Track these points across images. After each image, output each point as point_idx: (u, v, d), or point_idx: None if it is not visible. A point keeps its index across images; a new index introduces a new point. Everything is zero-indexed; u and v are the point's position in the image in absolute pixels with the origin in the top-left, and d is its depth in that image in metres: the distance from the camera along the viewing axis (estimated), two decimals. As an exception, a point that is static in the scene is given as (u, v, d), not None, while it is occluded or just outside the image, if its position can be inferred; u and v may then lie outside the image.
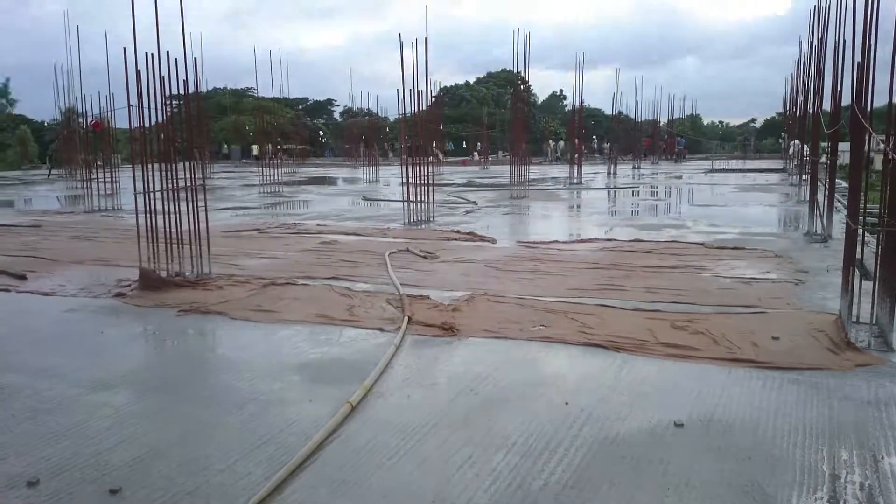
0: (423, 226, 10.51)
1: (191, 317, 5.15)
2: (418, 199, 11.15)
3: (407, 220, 10.94)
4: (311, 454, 2.78)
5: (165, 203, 6.36)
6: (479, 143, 41.95)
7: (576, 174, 22.19)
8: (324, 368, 3.93)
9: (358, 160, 34.40)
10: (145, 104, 6.28)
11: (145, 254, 6.22)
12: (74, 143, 21.01)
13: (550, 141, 44.69)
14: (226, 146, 49.09)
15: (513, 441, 2.91)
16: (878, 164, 4.98)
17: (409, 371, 3.86)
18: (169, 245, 6.38)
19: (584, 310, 5.02)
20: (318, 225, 10.78)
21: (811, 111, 11.14)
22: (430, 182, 11.66)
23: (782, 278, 6.09)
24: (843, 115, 6.09)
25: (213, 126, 42.64)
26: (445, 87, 51.72)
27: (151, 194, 6.28)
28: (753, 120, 72.25)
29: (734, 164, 31.75)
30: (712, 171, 21.07)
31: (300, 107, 59.38)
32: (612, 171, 25.37)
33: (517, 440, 2.92)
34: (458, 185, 20.60)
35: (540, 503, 2.43)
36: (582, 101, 25.97)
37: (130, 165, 6.83)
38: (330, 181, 24.67)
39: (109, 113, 16.17)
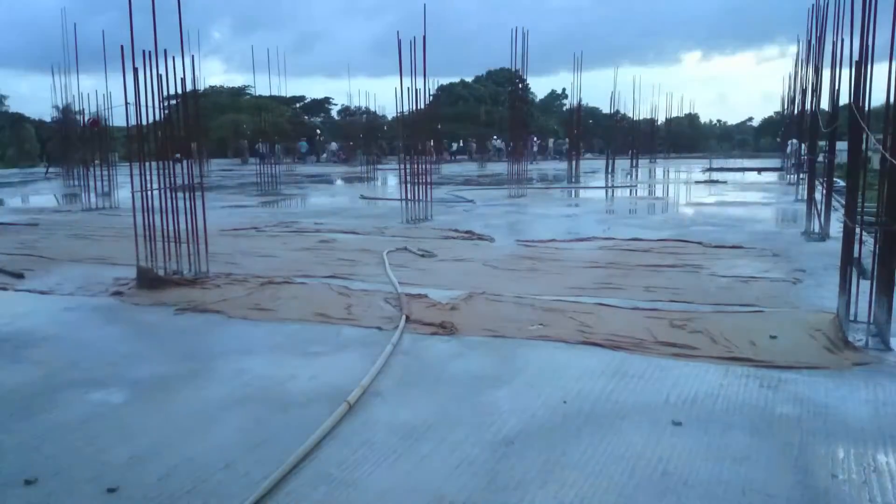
0: (422, 224, 10.50)
1: (188, 315, 5.14)
2: (416, 197, 11.15)
3: (405, 219, 10.93)
4: (308, 453, 2.78)
5: (163, 201, 6.35)
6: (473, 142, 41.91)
7: (574, 172, 22.15)
8: (321, 367, 3.93)
9: (356, 159, 34.31)
10: (142, 102, 6.27)
11: (143, 252, 6.21)
12: (71, 141, 20.91)
13: (550, 139, 44.69)
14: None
15: (511, 440, 2.91)
16: (875, 163, 4.99)
17: (407, 370, 3.86)
18: (166, 244, 6.37)
19: (582, 309, 5.02)
20: (316, 223, 10.76)
21: (809, 110, 11.14)
22: (429, 180, 11.65)
23: (780, 277, 6.10)
24: (841, 114, 6.09)
25: (211, 124, 42.35)
26: (442, 84, 51.56)
27: (149, 192, 6.28)
28: (751, 119, 72.31)
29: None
30: (710, 169, 21.13)
31: (297, 105, 59.26)
32: (610, 169, 25.36)
33: (515, 439, 2.92)
34: (457, 183, 20.59)
35: (538, 503, 2.43)
36: (580, 101, 25.91)
37: (128, 163, 6.81)
38: (328, 180, 24.64)
39: (106, 110, 16.13)
